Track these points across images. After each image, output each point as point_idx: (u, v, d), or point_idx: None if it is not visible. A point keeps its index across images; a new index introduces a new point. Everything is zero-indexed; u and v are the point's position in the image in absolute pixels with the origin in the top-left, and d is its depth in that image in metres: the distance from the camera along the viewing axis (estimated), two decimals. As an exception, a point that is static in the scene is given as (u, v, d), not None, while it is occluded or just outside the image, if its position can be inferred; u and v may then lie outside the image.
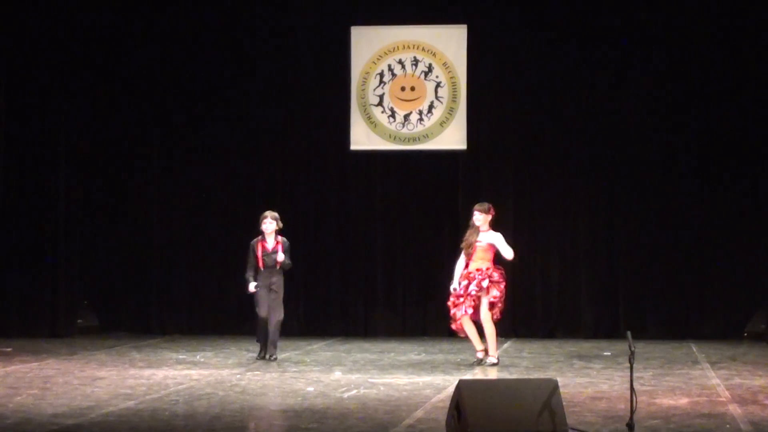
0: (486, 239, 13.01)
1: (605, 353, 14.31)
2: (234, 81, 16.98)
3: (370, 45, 16.81)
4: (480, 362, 13.05)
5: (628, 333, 8.52)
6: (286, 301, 16.31)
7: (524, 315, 16.37)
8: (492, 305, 12.90)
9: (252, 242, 13.49)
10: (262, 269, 13.37)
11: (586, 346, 15.24)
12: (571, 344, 15.44)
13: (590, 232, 16.48)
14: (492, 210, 13.12)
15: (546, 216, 16.60)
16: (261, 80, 16.92)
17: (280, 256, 13.34)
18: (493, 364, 12.95)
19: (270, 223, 13.42)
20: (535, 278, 16.59)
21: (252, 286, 13.37)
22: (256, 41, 16.94)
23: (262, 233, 13.47)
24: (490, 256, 13.00)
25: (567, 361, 13.55)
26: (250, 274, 13.40)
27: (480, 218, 13.06)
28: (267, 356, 13.37)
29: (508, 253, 12.97)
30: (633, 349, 8.41)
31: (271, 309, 13.38)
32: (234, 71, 16.98)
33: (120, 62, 16.99)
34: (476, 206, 13.19)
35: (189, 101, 17.03)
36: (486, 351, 13.08)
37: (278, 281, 13.44)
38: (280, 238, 13.49)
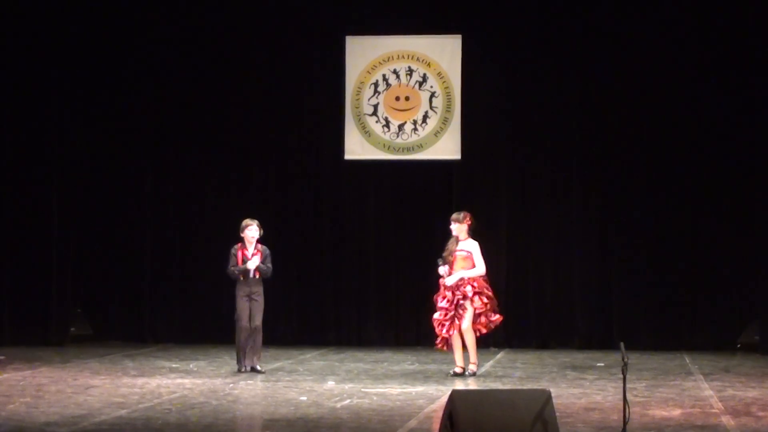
0: (464, 247, 13.03)
1: (598, 364, 14.30)
2: (228, 90, 16.96)
3: (364, 55, 16.81)
4: (455, 375, 12.96)
5: (622, 344, 8.53)
6: (280, 311, 16.35)
7: (517, 325, 16.32)
8: (477, 316, 12.88)
9: (233, 248, 13.27)
10: (241, 278, 13.22)
11: (579, 356, 15.24)
12: (565, 355, 15.44)
13: (584, 243, 16.46)
14: (468, 218, 13.12)
15: (539, 226, 16.57)
16: (255, 89, 16.89)
17: (252, 263, 13.11)
18: (474, 374, 12.91)
19: (256, 231, 13.22)
20: (528, 289, 16.57)
21: (249, 263, 13.06)
22: (250, 50, 16.92)
23: (242, 240, 13.29)
24: (469, 264, 12.99)
25: (560, 372, 13.55)
26: (234, 266, 13.18)
27: (455, 227, 13.09)
28: (252, 367, 13.10)
29: (479, 265, 12.94)
30: (626, 360, 8.42)
31: (252, 316, 13.15)
32: (228, 80, 16.96)
33: (114, 69, 16.98)
34: (452, 216, 13.22)
35: (182, 110, 16.99)
36: (464, 369, 13.04)
37: (259, 290, 13.24)
38: (260, 246, 13.31)
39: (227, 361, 14.38)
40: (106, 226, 17.07)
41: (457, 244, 13.05)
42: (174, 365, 14.06)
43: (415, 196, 16.82)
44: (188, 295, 16.97)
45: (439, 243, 16.25)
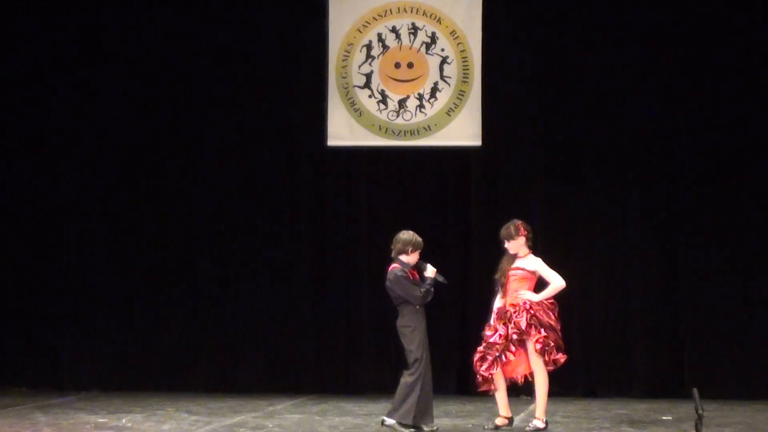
0: (523, 265, 13.05)
1: (665, 417, 14.33)
2: (173, 60, 16.99)
3: (354, 7, 16.86)
4: (496, 429, 13.04)
5: (695, 391, 8.65)
6: (241, 346, 16.33)
7: (558, 368, 16.31)
8: (542, 350, 12.89)
9: (398, 274, 12.87)
10: (418, 308, 12.93)
11: (639, 407, 15.27)
12: (620, 405, 15.49)
13: (645, 258, 16.50)
14: (522, 230, 13.11)
15: (585, 235, 16.63)
16: (212, 57, 16.95)
17: (431, 270, 12.87)
18: (538, 430, 12.95)
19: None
20: (571, 319, 16.43)
21: (429, 271, 12.85)
22: (207, 7, 16.96)
23: (400, 261, 12.95)
24: (528, 285, 13.05)
25: (614, 428, 13.54)
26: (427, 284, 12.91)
27: (511, 245, 13.12)
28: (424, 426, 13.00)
29: (554, 280, 13.00)
30: (701, 412, 8.47)
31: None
32: (178, 48, 17.00)
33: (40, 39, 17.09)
34: (501, 233, 13.20)
35: (114, 90, 17.05)
36: (510, 420, 13.10)
37: None
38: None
39: (171, 414, 14.43)
40: (11, 240, 17.11)
41: (513, 261, 13.08)
42: (101, 419, 14.02)
43: (422, 195, 16.90)
44: (119, 329, 16.99)
45: (452, 254, 16.33)
